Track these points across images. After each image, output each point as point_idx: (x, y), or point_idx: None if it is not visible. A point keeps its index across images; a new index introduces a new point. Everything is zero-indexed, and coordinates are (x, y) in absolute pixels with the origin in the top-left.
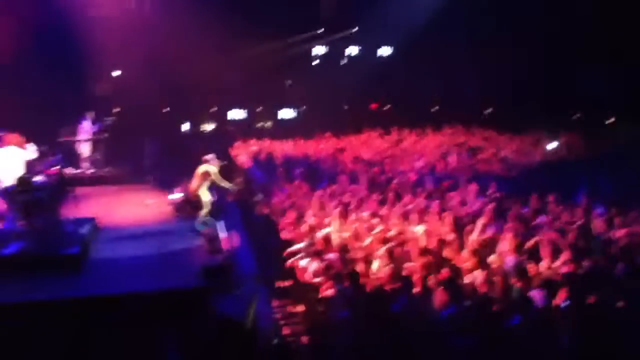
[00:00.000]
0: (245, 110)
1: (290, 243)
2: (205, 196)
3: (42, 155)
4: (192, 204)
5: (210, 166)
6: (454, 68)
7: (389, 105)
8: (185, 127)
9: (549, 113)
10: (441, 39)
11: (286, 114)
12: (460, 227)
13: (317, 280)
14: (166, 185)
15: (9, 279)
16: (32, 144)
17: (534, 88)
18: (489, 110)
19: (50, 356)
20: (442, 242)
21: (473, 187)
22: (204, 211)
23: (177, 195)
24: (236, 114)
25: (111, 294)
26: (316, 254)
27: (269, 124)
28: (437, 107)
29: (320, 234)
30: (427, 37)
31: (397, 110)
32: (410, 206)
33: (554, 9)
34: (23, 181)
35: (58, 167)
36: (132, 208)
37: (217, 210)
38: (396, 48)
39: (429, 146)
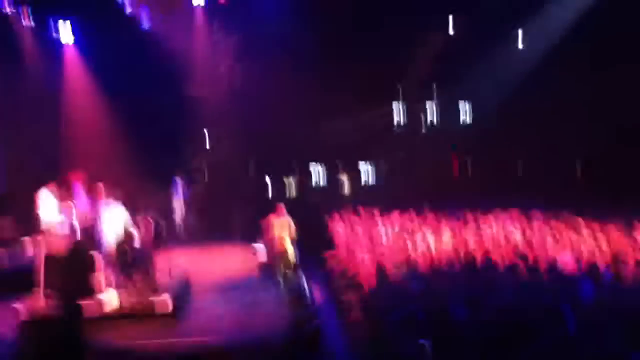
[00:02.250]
0: (324, 169)
1: None
2: (290, 249)
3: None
4: (276, 256)
5: (290, 219)
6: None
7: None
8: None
9: None
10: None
11: (367, 175)
12: None
13: None
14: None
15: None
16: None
17: None
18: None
19: None
20: None
21: None
22: (287, 264)
23: (260, 248)
24: (316, 171)
25: (204, 344)
26: None
27: (347, 185)
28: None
29: None
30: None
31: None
32: None
33: None
34: (124, 242)
35: (154, 228)
36: (223, 264)
37: (300, 268)
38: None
39: None
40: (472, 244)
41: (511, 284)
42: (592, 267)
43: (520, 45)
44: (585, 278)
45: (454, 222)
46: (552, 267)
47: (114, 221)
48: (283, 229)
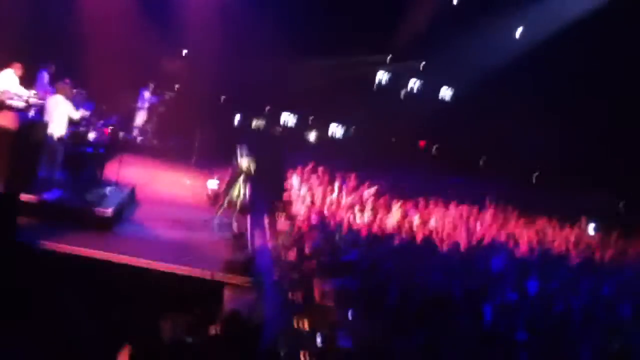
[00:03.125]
0: (296, 117)
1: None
2: (238, 190)
3: (101, 113)
4: (225, 195)
5: (251, 161)
6: (512, 123)
7: (436, 146)
8: (237, 118)
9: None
10: (505, 92)
11: (335, 130)
12: None
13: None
14: (208, 171)
15: (42, 223)
16: (91, 103)
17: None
18: (536, 173)
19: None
20: None
21: None
22: (231, 206)
23: (214, 183)
24: (287, 117)
25: (134, 264)
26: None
27: (312, 137)
28: (484, 159)
29: None
30: (491, 87)
31: (444, 154)
32: None
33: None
34: (78, 135)
35: (112, 127)
36: (170, 185)
37: (248, 206)
38: (457, 91)
39: None
40: (416, 223)
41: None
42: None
43: (517, 35)
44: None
45: (406, 198)
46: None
47: (62, 111)
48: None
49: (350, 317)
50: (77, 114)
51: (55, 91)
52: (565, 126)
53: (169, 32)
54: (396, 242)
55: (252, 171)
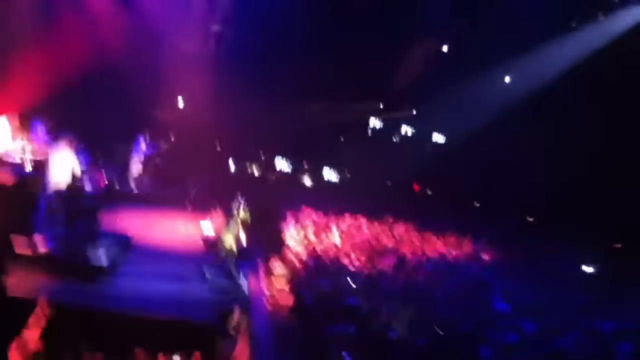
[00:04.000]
0: (290, 163)
1: None
2: (230, 240)
3: (96, 165)
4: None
5: (247, 212)
6: (505, 169)
7: (429, 191)
8: (231, 166)
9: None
10: (497, 138)
11: (329, 175)
12: None
13: None
14: (203, 218)
15: (36, 276)
16: (87, 155)
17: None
18: (531, 219)
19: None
20: None
21: None
22: (227, 254)
23: (208, 225)
24: (281, 163)
25: (129, 313)
26: None
27: (308, 182)
28: (477, 204)
29: None
30: (483, 134)
31: (438, 198)
32: None
33: None
34: (75, 188)
35: (107, 180)
36: (166, 233)
37: (243, 253)
38: (449, 138)
39: None
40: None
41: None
42: None
43: (506, 83)
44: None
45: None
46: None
47: (65, 166)
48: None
49: None
50: (81, 168)
51: (60, 146)
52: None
53: (161, 81)
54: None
55: (249, 221)
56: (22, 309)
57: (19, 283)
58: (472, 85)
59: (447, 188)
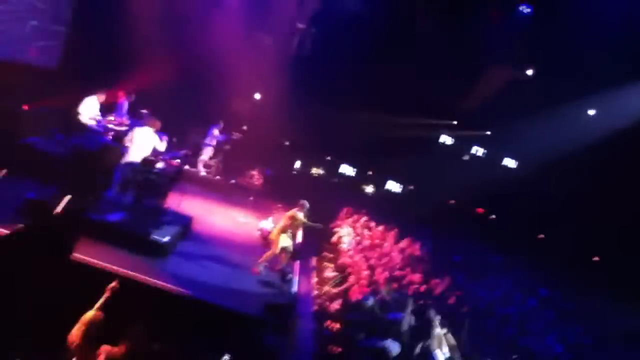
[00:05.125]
0: (355, 169)
1: None
2: (285, 241)
3: (171, 145)
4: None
5: (299, 212)
6: (574, 205)
7: (494, 216)
8: (297, 164)
9: None
10: (571, 172)
11: (392, 186)
12: None
13: None
14: (263, 211)
15: (100, 243)
16: (165, 135)
17: None
18: (596, 258)
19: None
20: None
21: None
22: (278, 252)
23: (268, 224)
24: (346, 169)
25: (182, 293)
26: None
27: (371, 189)
28: (542, 236)
29: None
30: (558, 166)
31: (500, 225)
32: None
33: None
34: (147, 162)
35: (179, 160)
36: (226, 221)
37: (297, 252)
38: (521, 164)
39: None
40: None
41: None
42: None
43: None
44: None
45: None
46: None
47: (144, 142)
48: (289, 218)
49: None
50: (162, 146)
51: (144, 123)
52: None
53: (242, 75)
54: None
55: (307, 223)
56: (87, 276)
57: (85, 247)
58: (554, 116)
59: (511, 215)
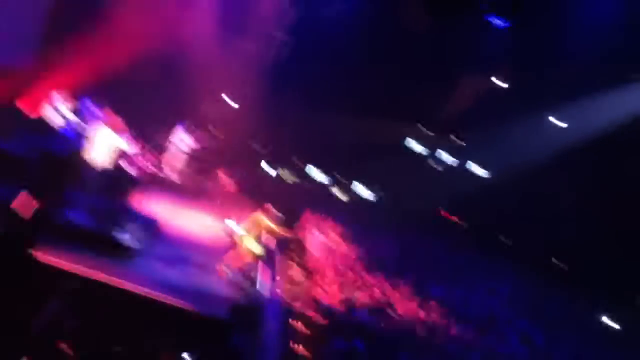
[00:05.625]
0: (325, 174)
1: None
2: (250, 243)
3: (135, 145)
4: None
5: (263, 216)
6: (542, 211)
7: (457, 219)
8: (267, 168)
9: None
10: (539, 180)
11: (363, 192)
12: None
13: None
14: (231, 214)
15: (65, 244)
16: (128, 134)
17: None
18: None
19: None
20: None
21: None
22: (243, 254)
23: (234, 227)
24: (315, 173)
25: (148, 294)
26: None
27: (343, 197)
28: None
29: None
30: (526, 174)
31: (467, 228)
32: None
33: None
34: (114, 166)
35: (144, 163)
36: (193, 223)
37: (263, 256)
38: (490, 172)
39: None
40: None
41: None
42: None
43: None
44: None
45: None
46: None
47: (108, 145)
48: (256, 222)
49: None
50: (125, 146)
51: (104, 122)
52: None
53: (212, 76)
54: None
55: (274, 225)
56: (49, 277)
57: (50, 251)
58: (523, 125)
59: (478, 220)
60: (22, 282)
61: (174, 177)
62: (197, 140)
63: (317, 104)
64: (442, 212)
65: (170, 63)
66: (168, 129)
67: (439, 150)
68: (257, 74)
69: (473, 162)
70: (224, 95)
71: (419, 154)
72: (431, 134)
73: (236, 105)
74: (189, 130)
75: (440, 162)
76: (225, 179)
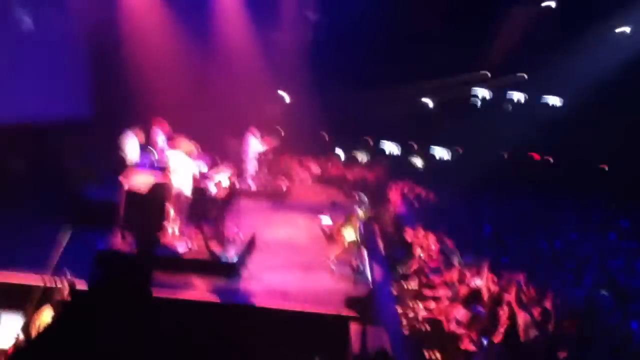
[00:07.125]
0: (398, 145)
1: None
2: (349, 234)
3: (215, 164)
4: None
5: (357, 208)
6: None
7: (550, 158)
8: (340, 153)
9: None
10: (620, 93)
11: (440, 153)
12: None
13: (460, 330)
14: (320, 209)
15: (171, 276)
16: (207, 156)
17: None
18: None
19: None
20: None
21: None
22: (345, 246)
23: (327, 218)
24: (389, 147)
25: (262, 306)
26: (465, 302)
27: (420, 163)
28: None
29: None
30: (604, 91)
31: (559, 166)
32: None
33: None
34: (198, 190)
35: (229, 179)
36: (286, 226)
37: (364, 243)
38: (567, 100)
39: None
40: None
41: None
42: None
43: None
44: None
45: None
46: None
47: (187, 170)
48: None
49: (485, 345)
50: (202, 169)
51: (176, 148)
52: None
53: (263, 77)
54: None
55: (368, 217)
56: (162, 309)
57: (159, 283)
58: (586, 41)
59: (569, 155)
60: (152, 324)
61: (256, 185)
62: (267, 143)
63: (366, 81)
64: (535, 155)
65: (223, 76)
66: (238, 141)
67: (506, 91)
68: (299, 63)
69: (546, 93)
70: (279, 92)
71: (487, 101)
72: (491, 78)
73: (290, 100)
74: (259, 136)
75: (511, 102)
76: (302, 174)
